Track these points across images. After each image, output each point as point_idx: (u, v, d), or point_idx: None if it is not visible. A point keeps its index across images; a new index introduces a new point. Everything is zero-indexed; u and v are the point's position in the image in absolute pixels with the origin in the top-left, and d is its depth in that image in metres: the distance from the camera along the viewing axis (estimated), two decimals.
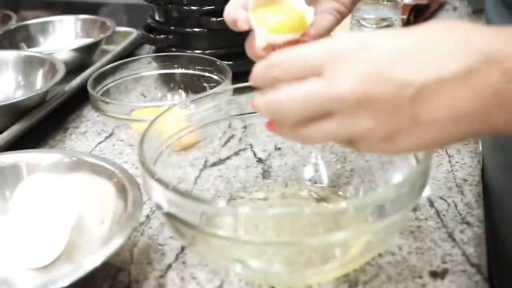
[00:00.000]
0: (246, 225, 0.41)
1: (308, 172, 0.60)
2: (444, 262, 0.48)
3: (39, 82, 0.77)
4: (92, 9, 1.28)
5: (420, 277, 0.47)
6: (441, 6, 1.13)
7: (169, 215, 0.43)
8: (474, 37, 0.34)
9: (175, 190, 0.42)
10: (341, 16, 0.55)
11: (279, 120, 0.39)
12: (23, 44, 0.94)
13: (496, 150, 0.65)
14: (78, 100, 0.81)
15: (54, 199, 0.52)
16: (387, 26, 0.84)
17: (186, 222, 0.42)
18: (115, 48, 0.93)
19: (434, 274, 0.47)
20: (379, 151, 0.38)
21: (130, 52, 0.97)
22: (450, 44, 0.34)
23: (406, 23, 0.99)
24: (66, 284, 0.40)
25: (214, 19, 0.77)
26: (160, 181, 0.43)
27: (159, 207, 0.44)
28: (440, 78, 0.34)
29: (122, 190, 0.50)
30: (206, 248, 0.45)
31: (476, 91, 0.34)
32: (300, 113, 0.37)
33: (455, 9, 1.15)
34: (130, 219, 0.46)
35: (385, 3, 0.84)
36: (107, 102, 0.66)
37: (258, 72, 0.40)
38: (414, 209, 0.55)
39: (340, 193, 0.57)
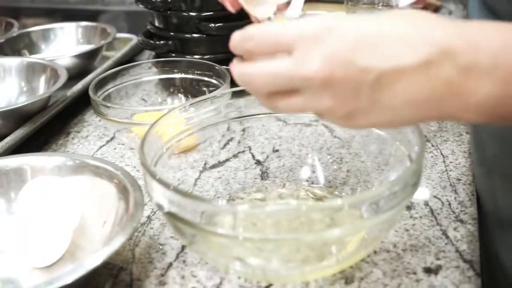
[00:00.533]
0: (244, 224, 0.42)
1: (305, 173, 0.61)
2: (437, 259, 0.50)
3: (42, 88, 0.78)
4: (92, 16, 1.30)
5: (415, 273, 0.48)
6: (436, 10, 1.14)
7: (170, 215, 0.45)
8: (436, 29, 0.37)
9: (176, 190, 0.43)
10: None
11: (251, 90, 0.42)
12: (25, 51, 0.96)
13: (474, 147, 0.67)
14: (80, 105, 0.82)
15: (58, 201, 0.53)
16: None
17: (186, 221, 0.43)
18: (116, 54, 0.94)
19: (428, 270, 0.48)
20: (340, 125, 0.42)
21: (130, 58, 0.99)
22: (412, 35, 0.37)
23: None
24: (69, 282, 0.41)
25: (213, 25, 0.78)
26: (161, 182, 0.44)
27: (160, 207, 0.45)
28: (399, 67, 0.36)
29: (123, 192, 0.51)
30: (206, 246, 0.47)
31: (430, 82, 0.36)
32: (269, 87, 0.40)
33: (450, 13, 1.16)
34: (131, 219, 0.47)
35: (380, 7, 0.85)
36: (108, 107, 0.67)
37: (234, 41, 0.42)
38: (409, 207, 0.56)
39: (337, 193, 0.58)
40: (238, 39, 0.41)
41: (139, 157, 0.48)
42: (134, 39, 0.99)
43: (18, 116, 0.70)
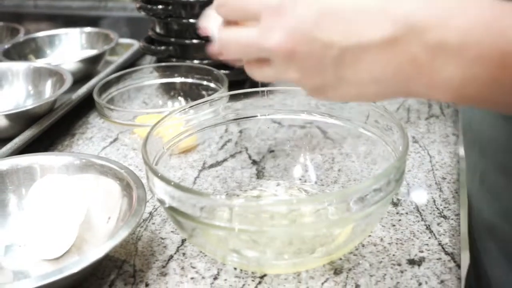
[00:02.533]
0: (240, 218, 0.45)
1: (298, 172, 0.65)
2: (421, 251, 0.53)
3: (48, 91, 0.82)
4: (94, 22, 1.33)
5: (399, 264, 0.52)
6: None
7: (171, 209, 0.48)
8: (403, 4, 0.35)
9: (177, 185, 0.47)
10: None
11: (229, 56, 0.44)
12: (31, 56, 0.99)
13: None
14: (84, 107, 0.86)
15: (65, 197, 0.57)
16: None
17: (186, 215, 0.47)
18: (118, 59, 0.98)
19: (412, 262, 0.52)
20: (313, 97, 0.43)
21: (132, 62, 1.02)
22: (378, 8, 0.36)
23: None
24: (76, 271, 0.44)
25: None
26: (162, 178, 0.48)
27: (161, 202, 0.49)
28: (363, 44, 0.36)
29: (127, 189, 0.54)
30: (205, 239, 0.50)
31: (395, 60, 0.36)
32: (241, 55, 0.42)
33: None
34: (134, 214, 0.50)
35: None
36: (111, 109, 0.70)
37: (215, 5, 0.43)
38: (395, 204, 0.60)
39: (328, 191, 0.61)
40: (216, 4, 0.43)
41: (142, 155, 0.51)
42: (135, 44, 1.03)
43: (26, 118, 0.73)
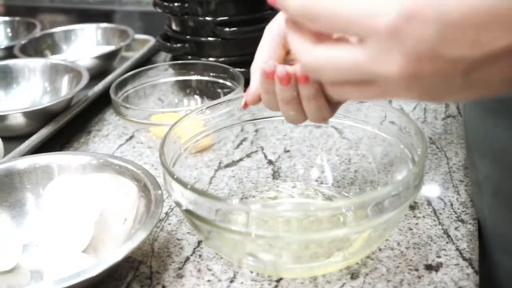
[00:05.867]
0: (257, 221, 0.45)
1: (314, 173, 0.64)
2: (438, 257, 0.53)
3: (64, 88, 0.82)
4: (108, 16, 1.34)
5: (416, 269, 0.51)
6: None
7: (187, 212, 0.48)
8: None
9: (193, 189, 0.47)
10: None
11: (315, 77, 0.40)
12: (47, 52, 0.99)
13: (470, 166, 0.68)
14: (101, 104, 0.86)
15: (81, 197, 0.57)
16: None
17: (202, 218, 0.47)
18: (134, 55, 0.98)
19: (429, 267, 0.52)
20: (420, 101, 0.39)
21: (147, 59, 1.02)
22: (506, 13, 0.31)
23: None
24: (94, 274, 0.45)
25: (228, 29, 0.81)
26: (179, 181, 0.48)
27: (178, 204, 0.49)
28: (496, 51, 0.32)
29: (144, 190, 0.54)
30: (221, 242, 0.50)
31: None
32: (340, 79, 0.37)
33: None
34: (151, 216, 0.50)
35: None
36: (127, 108, 0.71)
37: (293, 12, 0.37)
38: (412, 207, 0.59)
39: (344, 193, 0.61)
40: (298, 14, 0.36)
41: (159, 157, 0.51)
42: (151, 40, 1.03)
43: (43, 116, 0.73)
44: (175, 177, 0.48)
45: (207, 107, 0.61)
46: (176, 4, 0.83)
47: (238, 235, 0.46)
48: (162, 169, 0.51)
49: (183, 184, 0.47)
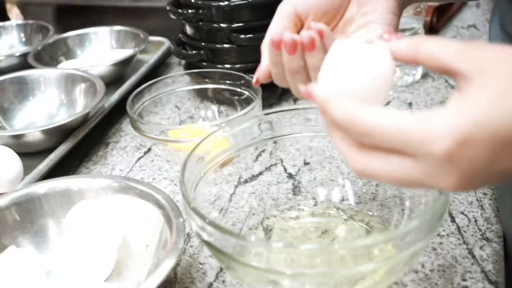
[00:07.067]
0: (277, 257, 0.45)
1: (336, 189, 0.63)
2: (464, 280, 0.52)
3: (81, 100, 0.82)
4: (122, 12, 1.33)
5: None
6: (464, 4, 1.14)
7: (207, 243, 0.48)
8: None
9: (212, 223, 0.46)
10: None
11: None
12: (62, 58, 0.99)
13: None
14: (117, 113, 0.86)
15: (102, 222, 0.57)
16: (413, 34, 0.86)
17: (222, 252, 0.46)
18: (149, 59, 0.97)
19: None
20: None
21: (162, 61, 1.02)
22: None
23: (429, 24, 1.01)
24: None
25: (243, 36, 0.80)
26: (198, 214, 0.47)
27: (199, 235, 0.49)
28: None
29: (165, 217, 0.54)
30: (242, 272, 0.50)
31: None
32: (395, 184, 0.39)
33: (478, 5, 1.16)
34: (174, 248, 0.49)
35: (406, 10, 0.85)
36: (144, 123, 0.70)
37: (339, 121, 0.37)
38: None
39: (366, 210, 0.60)
40: (345, 124, 0.36)
41: (180, 186, 0.51)
42: (165, 42, 1.02)
43: (61, 132, 0.73)
44: (192, 206, 0.48)
45: (228, 124, 0.60)
46: (190, 11, 0.81)
47: (259, 270, 0.46)
48: (182, 199, 0.50)
49: (202, 217, 0.47)
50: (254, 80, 0.55)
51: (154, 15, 1.30)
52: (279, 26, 0.53)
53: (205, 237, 0.47)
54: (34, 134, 0.71)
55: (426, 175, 0.35)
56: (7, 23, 1.10)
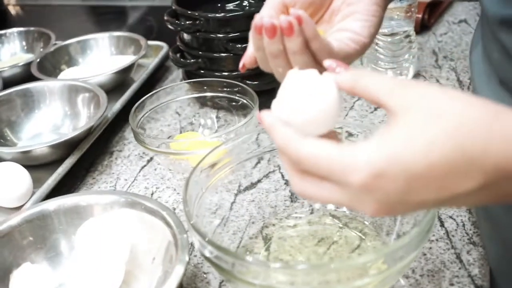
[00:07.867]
0: (276, 274, 0.48)
1: None
2: (451, 284, 0.56)
3: (84, 112, 0.85)
4: (120, 11, 1.34)
5: None
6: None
7: (207, 259, 0.51)
8: (488, 152, 0.35)
9: (211, 243, 0.49)
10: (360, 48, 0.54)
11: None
12: (64, 66, 1.02)
13: None
14: (120, 121, 0.89)
15: (110, 237, 0.60)
16: (404, 38, 0.88)
17: (222, 268, 0.50)
18: (149, 64, 1.00)
19: None
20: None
21: (162, 65, 1.04)
22: (466, 164, 0.36)
23: (421, 22, 1.03)
24: None
25: (239, 45, 0.83)
26: (199, 232, 0.50)
27: (201, 252, 0.52)
28: (456, 195, 0.37)
29: (170, 232, 0.57)
30: (243, 285, 0.53)
31: (487, 197, 0.38)
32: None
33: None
34: (180, 259, 0.53)
35: (398, 14, 0.87)
36: (145, 136, 0.73)
37: (284, 150, 0.41)
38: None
39: (359, 218, 0.63)
40: (282, 150, 0.41)
41: (183, 208, 0.54)
42: (164, 47, 1.05)
43: (66, 145, 0.76)
44: (196, 228, 0.51)
45: (228, 140, 0.63)
46: (188, 22, 0.84)
47: (258, 287, 0.49)
48: (186, 218, 0.53)
49: (202, 235, 0.50)
50: (240, 65, 0.56)
51: (151, 13, 1.32)
52: (266, 15, 0.54)
53: (207, 253, 0.51)
54: (42, 149, 0.74)
55: (350, 201, 0.39)
56: (9, 30, 1.12)
